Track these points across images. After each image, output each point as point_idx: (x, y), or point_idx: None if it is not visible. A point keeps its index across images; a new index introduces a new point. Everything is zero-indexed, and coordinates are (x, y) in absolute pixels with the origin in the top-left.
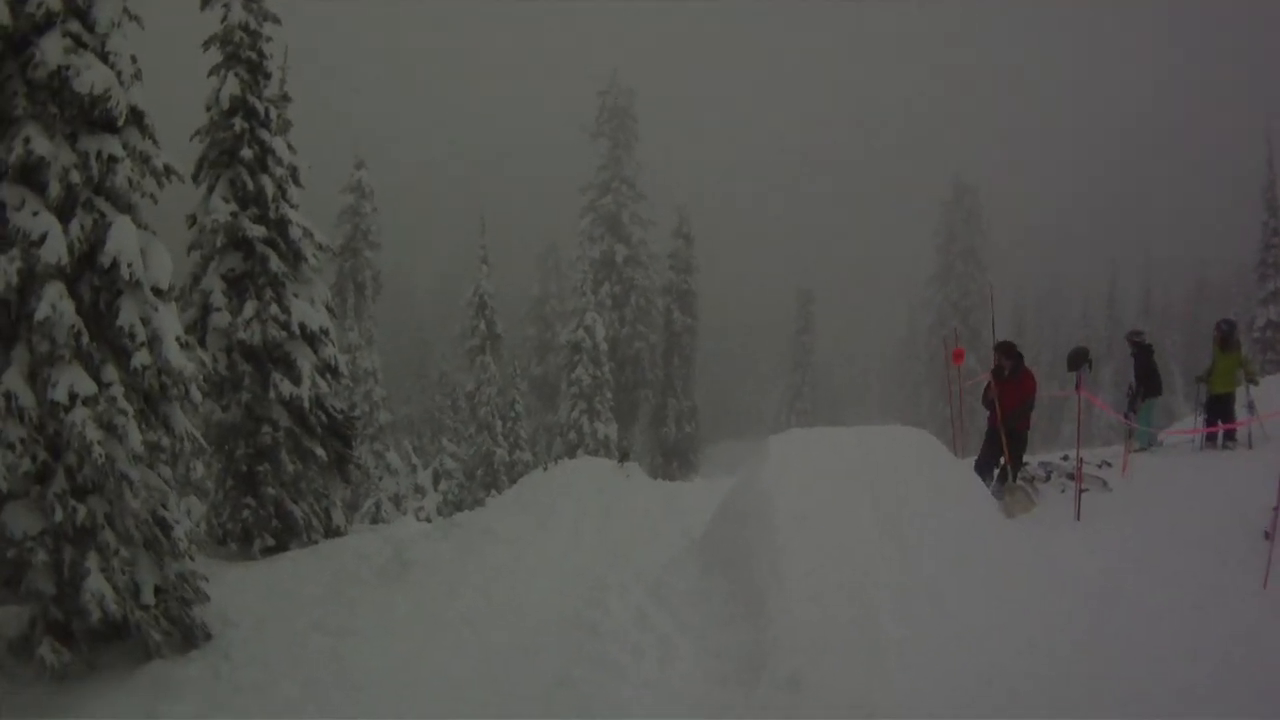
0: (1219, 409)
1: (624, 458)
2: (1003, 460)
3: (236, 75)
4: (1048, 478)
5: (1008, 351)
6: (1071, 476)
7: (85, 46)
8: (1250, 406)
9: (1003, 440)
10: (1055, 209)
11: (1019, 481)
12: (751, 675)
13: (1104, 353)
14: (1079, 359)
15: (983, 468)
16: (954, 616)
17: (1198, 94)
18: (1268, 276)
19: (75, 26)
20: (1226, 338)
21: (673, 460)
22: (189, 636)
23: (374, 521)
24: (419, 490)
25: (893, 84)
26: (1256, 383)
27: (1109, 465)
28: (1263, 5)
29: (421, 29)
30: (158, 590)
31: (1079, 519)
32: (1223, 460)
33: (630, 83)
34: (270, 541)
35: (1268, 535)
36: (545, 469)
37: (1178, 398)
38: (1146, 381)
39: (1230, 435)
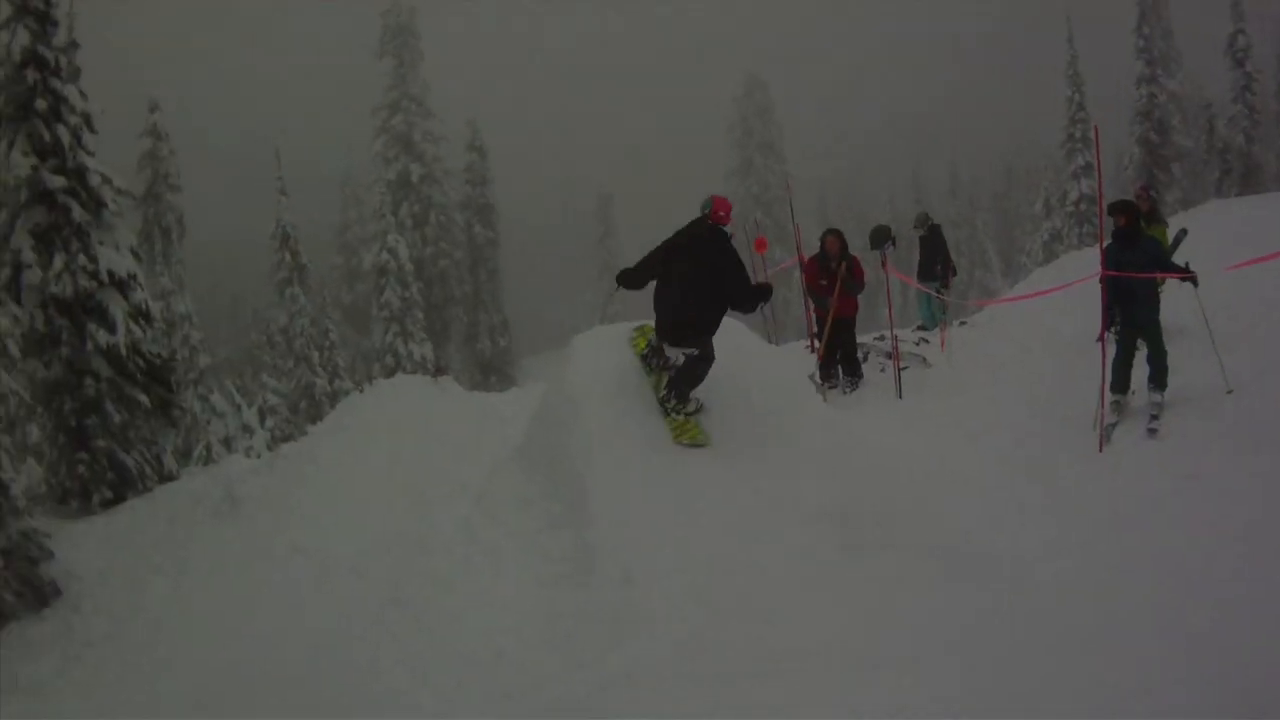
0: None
1: (438, 373)
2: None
3: (26, 27)
4: (865, 358)
5: (840, 240)
6: (889, 355)
7: None
8: None
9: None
10: (858, 111)
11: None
12: (583, 576)
13: (910, 234)
14: (881, 237)
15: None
16: (780, 506)
17: None
18: (1075, 151)
19: None
20: (1154, 208)
21: (490, 374)
22: (40, 595)
23: (206, 465)
24: (247, 429)
25: None
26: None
27: (926, 342)
28: None
29: None
30: (4, 552)
31: (900, 397)
32: (1046, 330)
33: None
34: (108, 494)
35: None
36: (360, 391)
37: (995, 276)
38: (931, 266)
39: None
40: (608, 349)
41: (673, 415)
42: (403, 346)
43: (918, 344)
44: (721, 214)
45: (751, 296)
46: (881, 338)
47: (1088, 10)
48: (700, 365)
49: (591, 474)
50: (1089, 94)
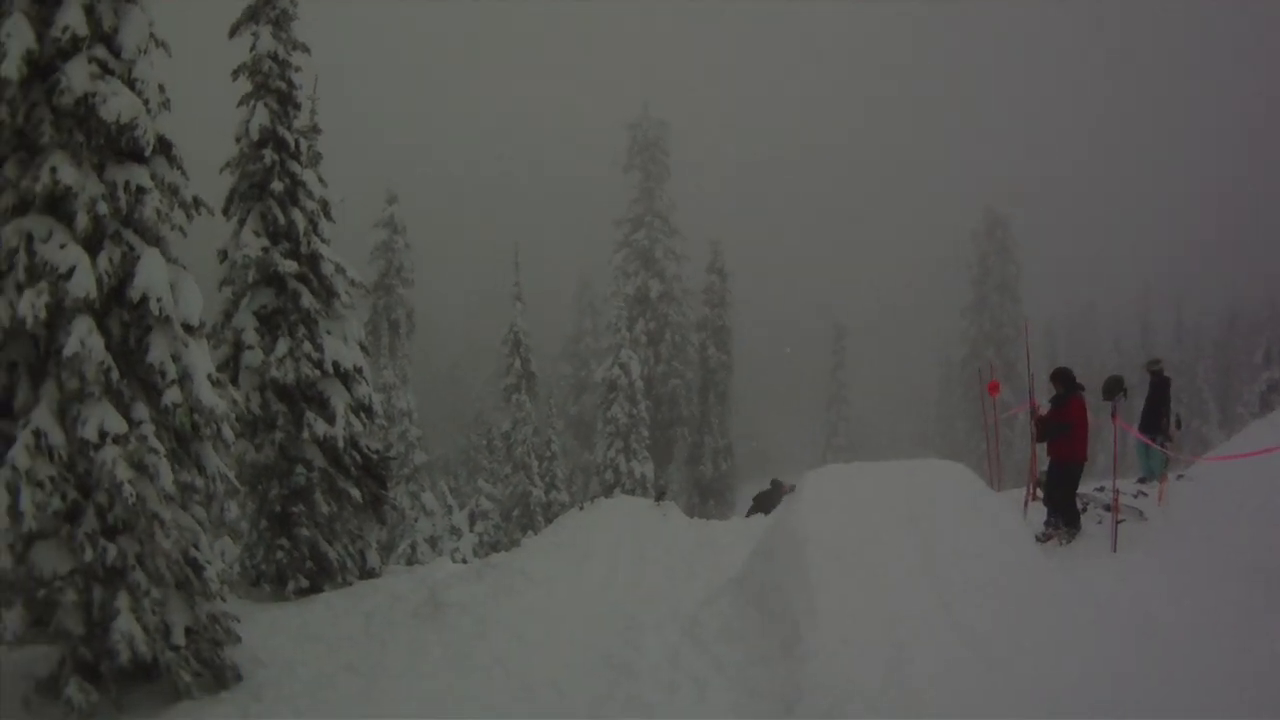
0: None
1: (660, 496)
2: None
3: (266, 105)
4: (1084, 509)
5: (1059, 379)
6: (1108, 508)
7: (111, 73)
8: None
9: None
10: (1086, 232)
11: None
12: (786, 713)
13: (1137, 382)
14: (1114, 388)
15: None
16: (990, 657)
17: (1225, 119)
18: None
19: (101, 52)
20: None
21: (709, 498)
22: (219, 677)
23: (410, 563)
24: (455, 531)
25: (919, 103)
26: None
27: (1145, 495)
28: None
29: (455, 53)
30: (189, 631)
31: (1115, 550)
32: (1262, 486)
33: (661, 114)
34: (305, 583)
35: None
36: (581, 509)
37: (1212, 426)
38: (1156, 416)
39: None
40: (837, 488)
41: None
42: (624, 464)
43: (1136, 496)
44: None
45: None
46: (1101, 489)
47: None
48: None
49: (809, 612)
50: None
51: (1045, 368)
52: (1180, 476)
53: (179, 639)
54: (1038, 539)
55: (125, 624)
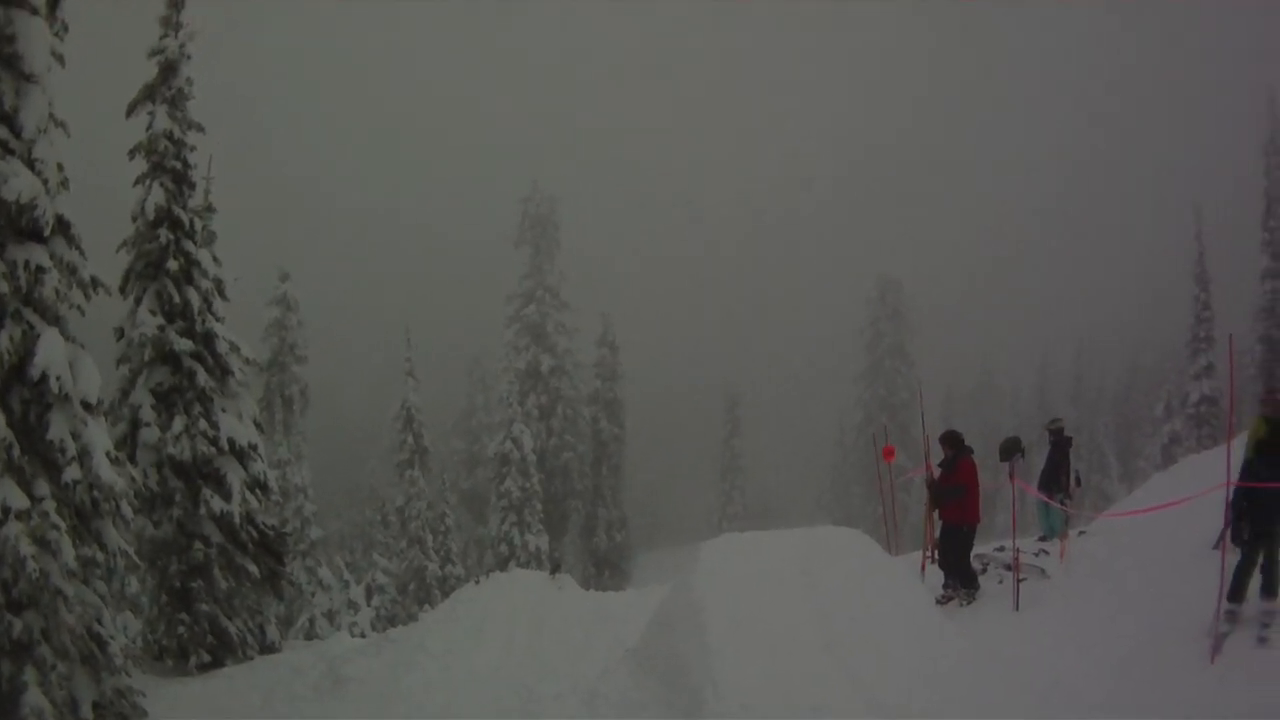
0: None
1: (555, 570)
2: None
3: (162, 185)
4: (984, 570)
5: (948, 441)
6: (1008, 567)
7: (12, 153)
8: None
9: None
10: (983, 297)
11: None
12: None
13: (1036, 441)
14: (1011, 449)
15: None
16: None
17: (1123, 173)
18: (1200, 351)
19: (2, 132)
20: None
21: (605, 570)
22: None
23: (308, 637)
24: (352, 605)
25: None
26: None
27: (1046, 553)
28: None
29: (351, 118)
30: (96, 706)
31: (1017, 609)
32: (1164, 539)
33: (552, 191)
34: (206, 658)
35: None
36: (477, 583)
37: (1112, 481)
38: (1056, 475)
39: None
40: (734, 557)
41: None
42: (518, 537)
43: (1037, 555)
44: None
45: None
46: (1001, 548)
47: (1215, 199)
48: None
49: (709, 681)
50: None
51: (941, 431)
52: (1082, 533)
53: (87, 714)
54: (938, 601)
55: (34, 698)
